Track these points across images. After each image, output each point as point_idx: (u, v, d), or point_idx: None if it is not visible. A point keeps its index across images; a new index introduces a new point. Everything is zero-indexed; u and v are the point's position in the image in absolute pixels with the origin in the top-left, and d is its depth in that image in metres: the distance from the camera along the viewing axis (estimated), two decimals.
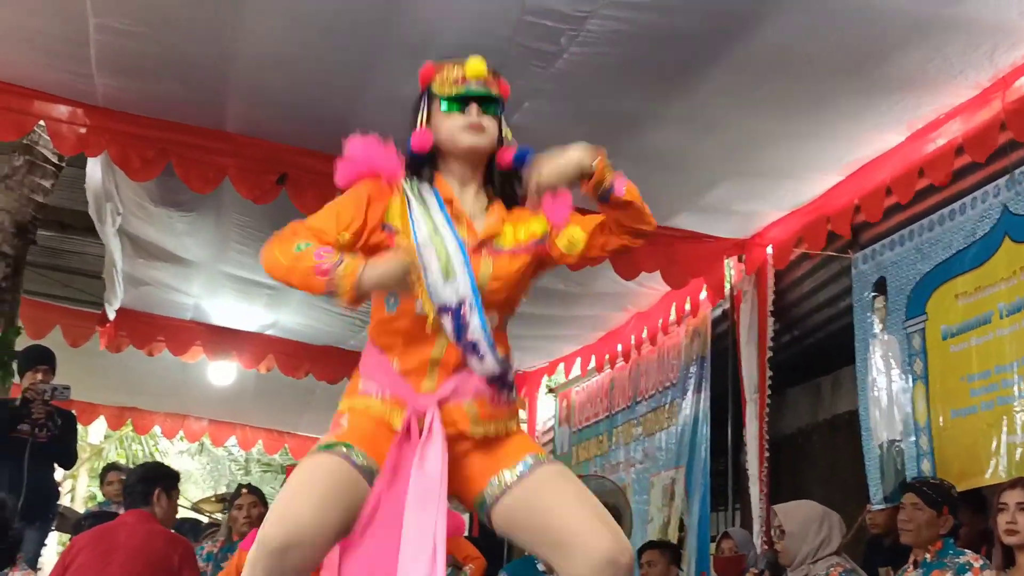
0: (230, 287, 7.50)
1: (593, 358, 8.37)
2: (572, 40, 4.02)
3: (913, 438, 4.95)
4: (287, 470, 7.76)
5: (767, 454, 5.95)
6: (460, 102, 2.48)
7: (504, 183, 2.55)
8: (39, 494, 6.08)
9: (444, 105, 2.49)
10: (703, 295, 6.68)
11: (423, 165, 2.51)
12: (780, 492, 6.02)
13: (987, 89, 4.25)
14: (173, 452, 18.29)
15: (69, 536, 6.82)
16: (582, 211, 2.56)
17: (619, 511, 5.38)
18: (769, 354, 6.02)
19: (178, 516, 6.41)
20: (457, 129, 2.48)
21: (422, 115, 2.53)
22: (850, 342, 5.49)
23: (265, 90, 4.67)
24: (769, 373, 6.00)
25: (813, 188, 5.36)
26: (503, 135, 2.54)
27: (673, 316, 7.15)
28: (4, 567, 3.92)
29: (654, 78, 4.36)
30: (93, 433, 16.61)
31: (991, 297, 4.53)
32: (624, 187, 2.39)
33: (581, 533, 2.29)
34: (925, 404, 4.90)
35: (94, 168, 5.97)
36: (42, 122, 4.99)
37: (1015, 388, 4.36)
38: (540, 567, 5.05)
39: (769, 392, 6.00)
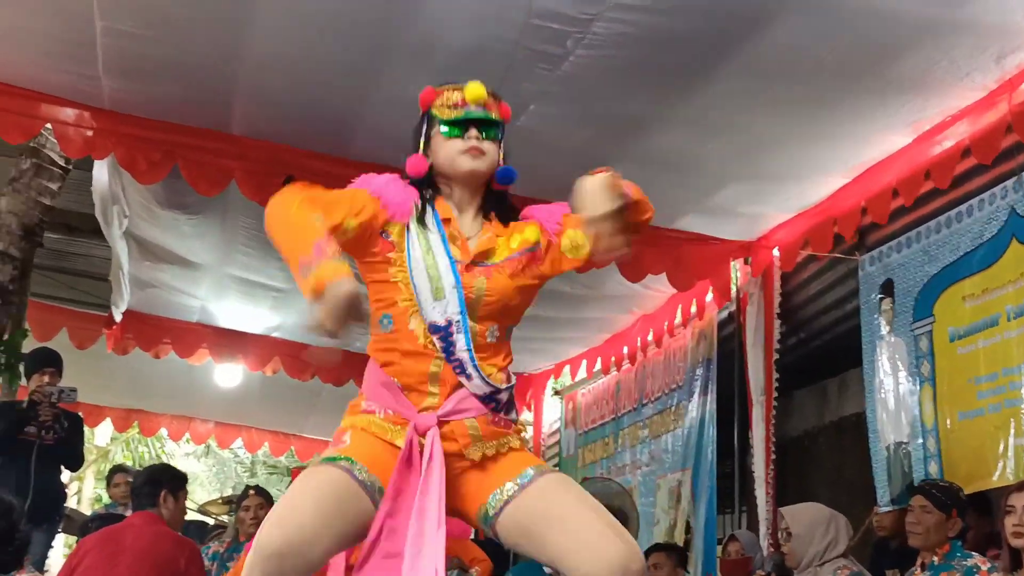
0: (236, 289, 7.51)
1: (599, 360, 8.36)
2: (578, 43, 4.02)
3: (920, 440, 4.95)
4: (293, 472, 7.76)
5: (774, 456, 5.94)
6: (460, 126, 2.50)
7: (499, 200, 2.58)
8: (46, 496, 6.09)
9: (444, 129, 2.50)
10: (709, 297, 6.68)
11: (423, 187, 2.52)
12: (787, 494, 6.01)
13: (993, 91, 4.24)
14: (179, 454, 18.33)
15: (76, 538, 6.84)
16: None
17: (625, 513, 5.37)
18: (776, 356, 6.01)
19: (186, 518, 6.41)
20: (456, 153, 2.49)
21: (422, 138, 2.54)
22: (857, 344, 5.48)
23: (271, 92, 4.68)
24: (776, 375, 5.99)
25: (819, 190, 5.35)
26: (503, 160, 2.55)
27: (679, 318, 7.15)
28: (11, 570, 3.93)
29: (660, 80, 4.35)
30: (100, 435, 16.62)
31: (999, 299, 4.52)
32: (630, 189, 2.39)
33: (590, 540, 2.28)
34: (932, 406, 4.89)
35: (100, 171, 5.98)
36: (49, 125, 5.00)
37: (1023, 390, 4.36)
38: (547, 570, 5.05)
39: (776, 394, 5.99)
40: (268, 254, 6.57)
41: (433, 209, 2.50)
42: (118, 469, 8.31)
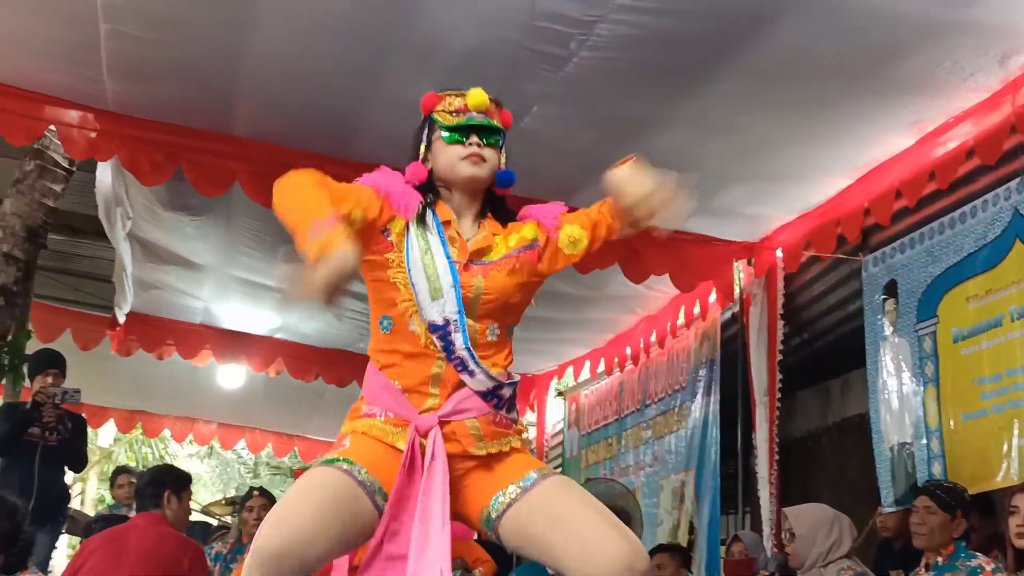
0: (239, 291, 7.51)
1: (602, 361, 8.36)
2: (582, 44, 4.02)
3: (924, 441, 4.94)
4: (296, 473, 7.77)
5: (777, 457, 5.94)
6: (461, 132, 2.50)
7: (498, 204, 2.59)
8: (50, 497, 6.10)
9: (445, 134, 2.51)
10: (712, 298, 6.68)
11: (424, 192, 2.53)
12: (790, 495, 6.01)
13: (997, 92, 4.24)
14: (183, 455, 18.34)
15: (79, 539, 6.84)
16: (572, 209, 2.62)
17: (628, 514, 5.36)
18: (779, 357, 6.01)
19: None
20: (457, 159, 2.50)
21: (423, 143, 2.55)
22: (860, 345, 5.48)
23: (274, 94, 4.69)
24: (779, 376, 5.99)
25: (823, 191, 5.35)
26: (503, 166, 2.56)
27: (682, 319, 7.15)
28: (16, 571, 3.93)
29: (663, 82, 4.36)
30: (103, 436, 16.66)
31: (1002, 300, 4.52)
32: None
33: (593, 541, 2.28)
34: (936, 407, 4.89)
35: (104, 172, 5.99)
36: (53, 127, 5.00)
37: None
38: (550, 571, 5.04)
39: (779, 395, 5.99)
40: (271, 255, 6.57)
41: (433, 212, 2.50)
42: (122, 470, 8.32)
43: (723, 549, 6.40)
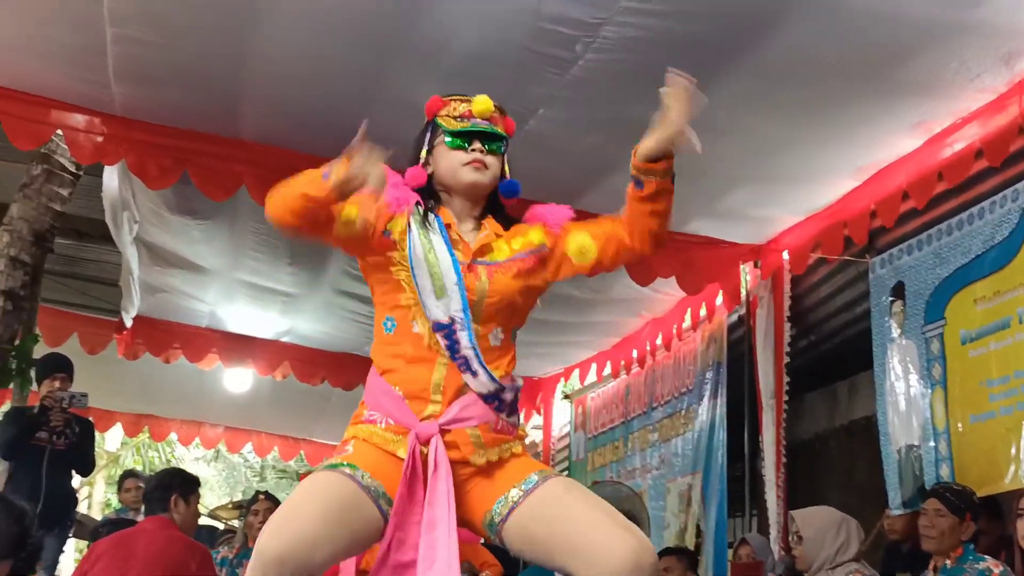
0: (246, 294, 7.52)
1: (608, 364, 8.35)
2: (588, 47, 4.01)
3: (932, 443, 4.93)
4: (302, 477, 7.76)
5: (784, 460, 5.93)
6: (465, 138, 2.51)
7: (498, 209, 2.59)
8: (57, 501, 6.11)
9: (448, 140, 2.51)
10: (719, 301, 6.67)
11: (426, 196, 2.53)
12: (797, 498, 5.99)
13: (1004, 94, 4.23)
14: (189, 459, 18.37)
15: (87, 543, 6.85)
16: (578, 212, 2.61)
17: (636, 517, 5.36)
18: (786, 359, 6.00)
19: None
20: (459, 164, 2.50)
21: (425, 147, 2.56)
22: (867, 347, 5.46)
23: (280, 98, 4.69)
24: (786, 378, 5.98)
25: (829, 193, 5.34)
26: (505, 173, 2.57)
27: (689, 322, 7.14)
28: (24, 575, 3.93)
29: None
30: (110, 440, 16.70)
31: (1010, 302, 4.51)
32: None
33: (601, 539, 2.26)
34: (944, 409, 4.87)
35: (111, 177, 6.00)
36: (60, 131, 5.01)
37: None
38: (557, 574, 5.04)
39: (786, 397, 5.98)
40: (277, 259, 6.58)
41: (435, 214, 2.51)
42: (129, 474, 8.35)
43: (730, 552, 6.38)
